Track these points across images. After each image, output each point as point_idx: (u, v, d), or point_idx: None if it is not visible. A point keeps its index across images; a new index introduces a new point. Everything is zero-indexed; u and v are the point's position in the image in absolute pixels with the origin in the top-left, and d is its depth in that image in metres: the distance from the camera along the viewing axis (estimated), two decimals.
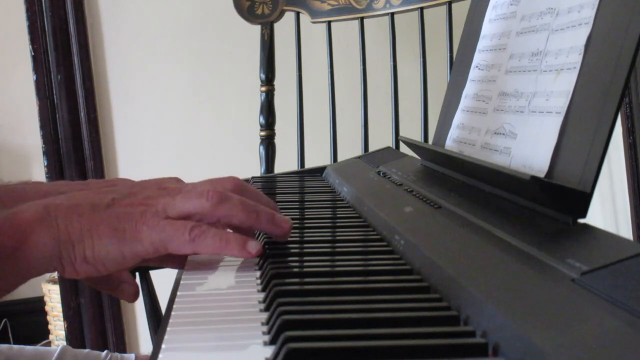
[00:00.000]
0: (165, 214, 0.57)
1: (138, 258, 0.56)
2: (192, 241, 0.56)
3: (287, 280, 0.53)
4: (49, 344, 2.01)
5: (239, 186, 0.62)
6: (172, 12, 1.86)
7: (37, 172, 2.02)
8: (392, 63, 1.37)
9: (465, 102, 0.82)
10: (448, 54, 1.27)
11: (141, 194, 0.60)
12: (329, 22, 1.43)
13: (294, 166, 1.41)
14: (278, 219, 0.60)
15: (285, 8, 1.45)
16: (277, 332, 0.42)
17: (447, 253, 0.53)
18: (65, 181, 0.75)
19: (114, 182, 0.69)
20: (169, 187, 0.62)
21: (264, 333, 0.45)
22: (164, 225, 0.56)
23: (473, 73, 0.82)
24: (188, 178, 0.70)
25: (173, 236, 0.56)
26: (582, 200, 0.51)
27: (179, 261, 0.65)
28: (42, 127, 1.85)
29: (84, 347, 1.40)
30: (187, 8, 1.86)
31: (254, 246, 0.57)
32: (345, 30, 1.65)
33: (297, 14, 1.46)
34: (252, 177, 1.15)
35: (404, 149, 1.03)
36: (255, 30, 1.47)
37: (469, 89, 0.82)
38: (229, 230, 0.62)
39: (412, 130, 1.25)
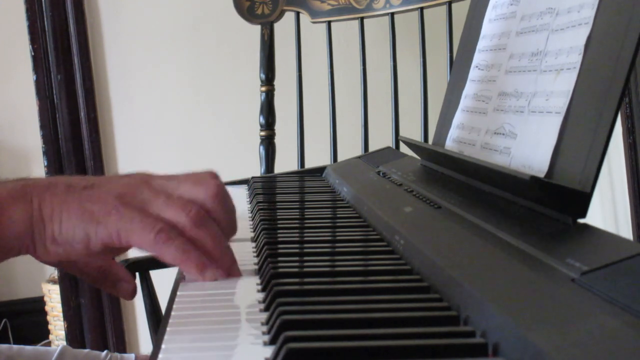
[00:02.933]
0: (142, 207, 0.55)
1: (102, 243, 0.55)
2: (155, 243, 0.54)
3: (287, 280, 0.53)
4: (49, 344, 2.01)
5: (219, 195, 0.58)
6: (172, 12, 1.86)
7: (37, 172, 2.02)
8: (392, 63, 1.37)
9: (465, 102, 0.82)
10: (448, 54, 1.27)
11: (123, 180, 0.58)
12: (329, 22, 1.43)
13: (294, 166, 1.40)
14: (234, 269, 0.58)
15: (285, 8, 1.45)
16: (276, 332, 0.42)
17: (447, 253, 0.53)
18: (65, 176, 0.74)
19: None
20: (155, 180, 0.59)
21: (263, 333, 0.45)
22: (134, 216, 0.54)
23: (473, 73, 0.82)
24: None
25: (139, 231, 0.54)
26: (582, 200, 0.51)
27: None
28: (42, 127, 1.85)
29: (84, 347, 1.40)
30: (187, 8, 1.86)
31: (210, 275, 0.56)
32: (345, 30, 1.65)
33: (297, 14, 1.45)
34: (252, 177, 1.14)
35: (404, 149, 1.03)
36: (255, 30, 1.47)
37: (469, 89, 0.82)
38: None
39: (412, 130, 1.25)
